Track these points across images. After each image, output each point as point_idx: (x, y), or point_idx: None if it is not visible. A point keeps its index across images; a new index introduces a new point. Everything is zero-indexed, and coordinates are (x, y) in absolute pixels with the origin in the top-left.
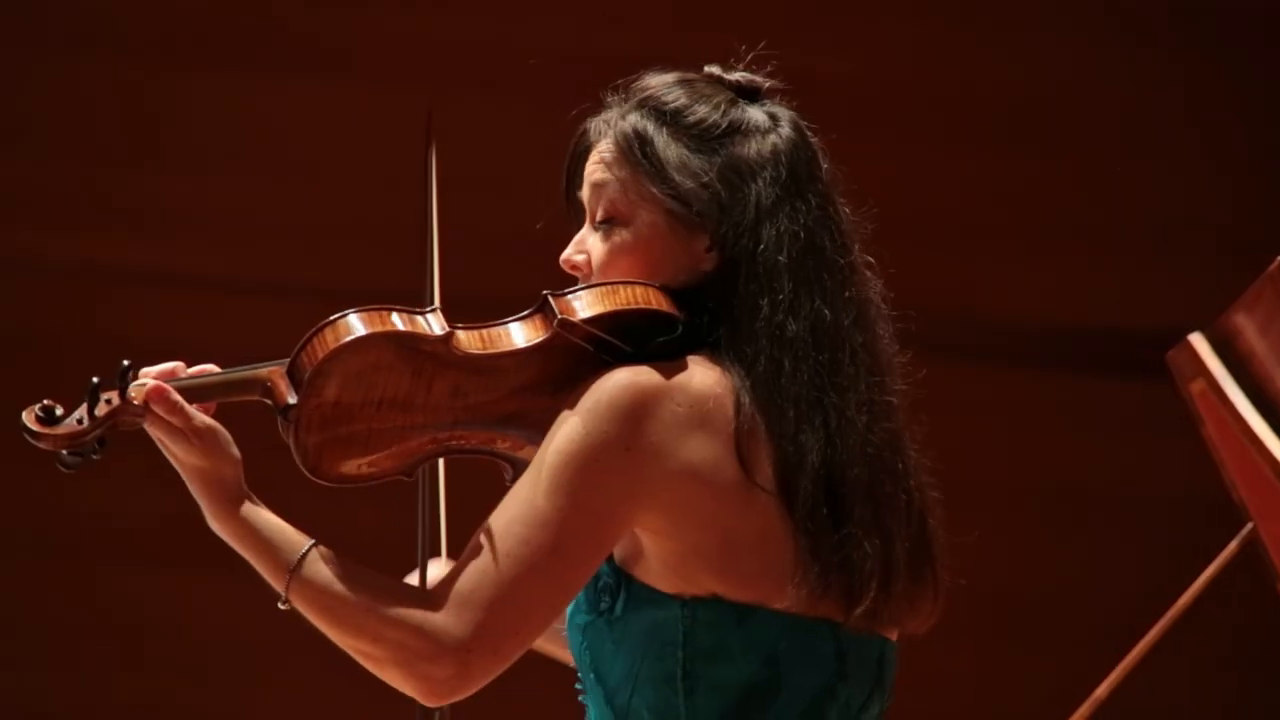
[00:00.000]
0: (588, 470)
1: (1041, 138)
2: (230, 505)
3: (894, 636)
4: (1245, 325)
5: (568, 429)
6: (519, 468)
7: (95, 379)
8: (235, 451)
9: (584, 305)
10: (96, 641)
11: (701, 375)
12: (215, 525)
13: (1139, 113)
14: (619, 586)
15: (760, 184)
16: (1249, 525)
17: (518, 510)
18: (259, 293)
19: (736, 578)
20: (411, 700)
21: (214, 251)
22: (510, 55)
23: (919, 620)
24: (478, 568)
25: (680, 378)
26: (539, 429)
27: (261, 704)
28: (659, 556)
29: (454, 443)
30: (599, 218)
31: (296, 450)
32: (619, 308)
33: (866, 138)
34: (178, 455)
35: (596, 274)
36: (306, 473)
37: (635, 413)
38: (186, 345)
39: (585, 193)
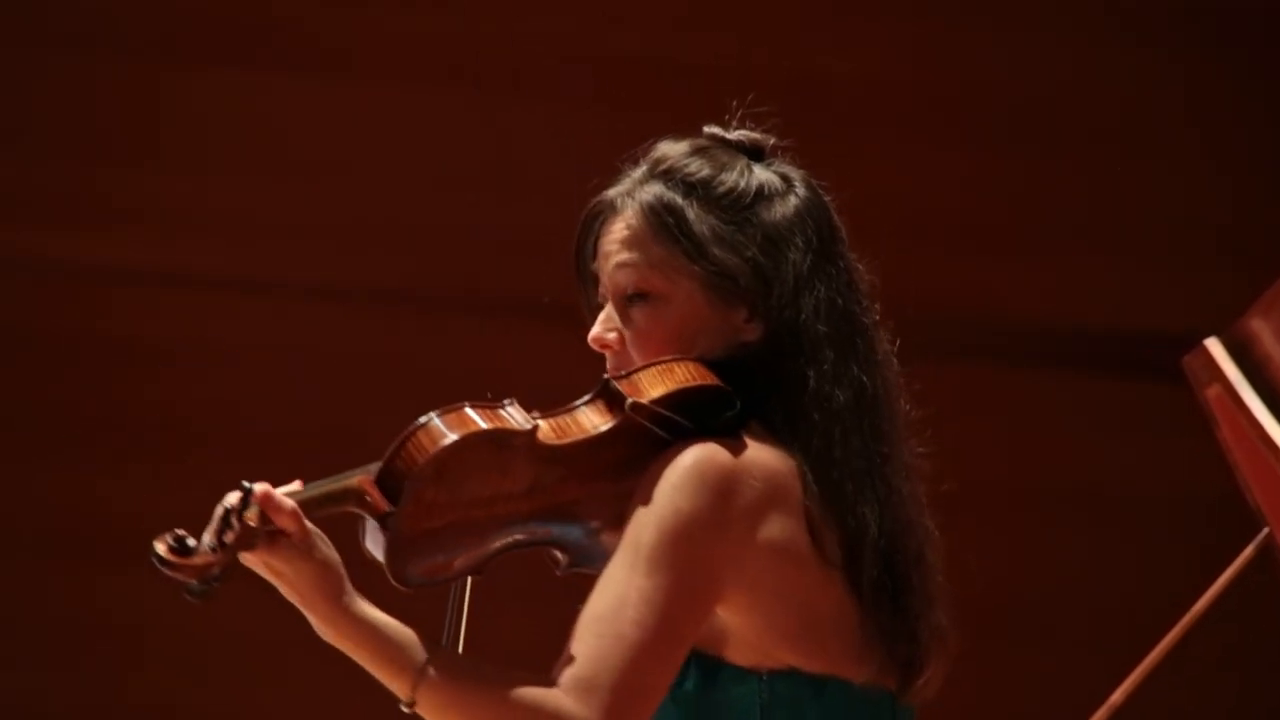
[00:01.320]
0: (684, 547)
1: (1042, 137)
2: (347, 608)
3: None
4: (1262, 330)
5: (658, 508)
6: (576, 555)
7: (226, 505)
8: (336, 554)
9: (648, 386)
10: (99, 641)
11: (767, 452)
12: (330, 630)
13: (1139, 112)
14: (689, 663)
15: (795, 251)
16: (1265, 530)
17: (622, 591)
18: (261, 292)
19: (812, 650)
20: None
21: (216, 251)
22: (511, 55)
23: (931, 688)
24: (595, 652)
25: (750, 455)
26: (603, 512)
27: (264, 704)
28: (737, 632)
29: (525, 536)
30: (630, 293)
31: (389, 556)
32: (680, 386)
33: (867, 138)
34: (292, 566)
35: (633, 350)
36: (392, 578)
37: (719, 489)
38: (189, 345)
39: (607, 266)
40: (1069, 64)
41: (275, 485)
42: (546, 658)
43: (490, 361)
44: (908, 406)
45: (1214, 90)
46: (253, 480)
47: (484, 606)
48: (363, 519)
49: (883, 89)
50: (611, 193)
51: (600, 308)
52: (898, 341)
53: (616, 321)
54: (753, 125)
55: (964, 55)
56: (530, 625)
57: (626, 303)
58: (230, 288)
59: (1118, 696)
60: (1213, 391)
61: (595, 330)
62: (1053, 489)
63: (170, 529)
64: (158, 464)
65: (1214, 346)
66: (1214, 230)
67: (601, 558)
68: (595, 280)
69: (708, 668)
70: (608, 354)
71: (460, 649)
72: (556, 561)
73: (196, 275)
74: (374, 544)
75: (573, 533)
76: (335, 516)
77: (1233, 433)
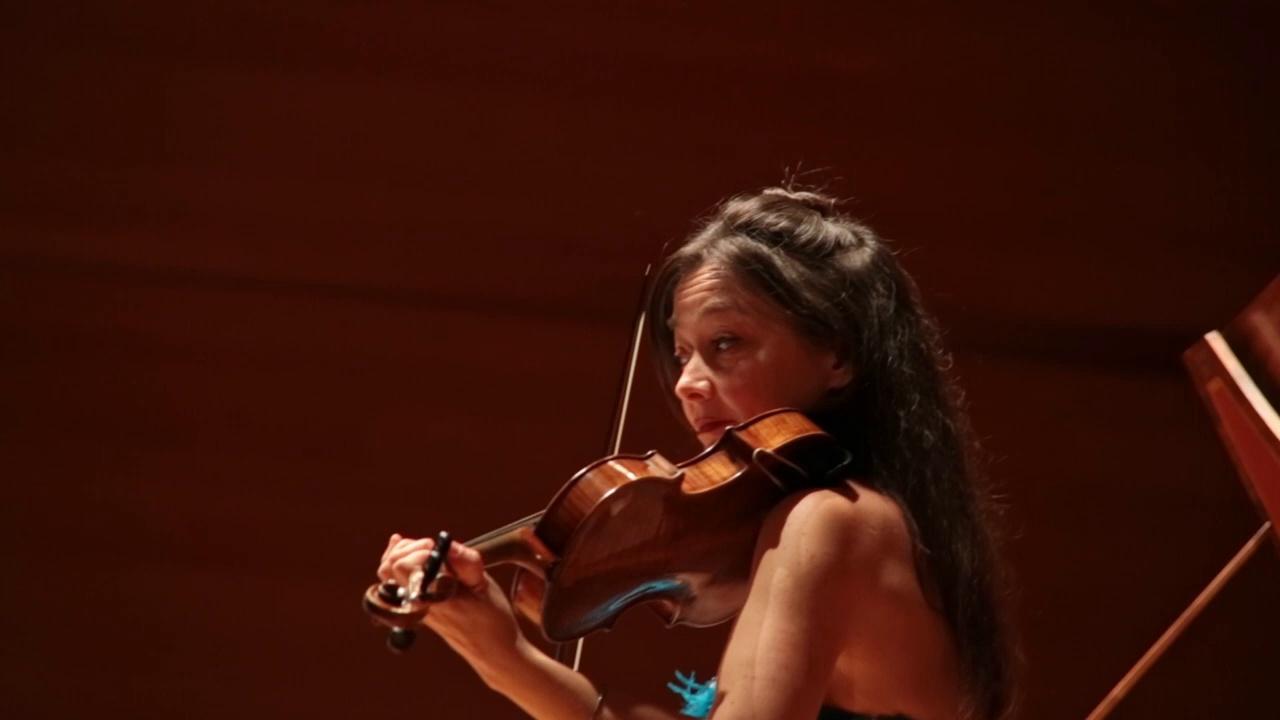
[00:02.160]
0: (819, 593)
1: (1044, 135)
2: (522, 655)
3: None
4: (1263, 324)
5: (791, 554)
6: (688, 606)
7: (434, 553)
8: (509, 604)
9: (768, 436)
10: (103, 639)
11: (874, 499)
12: (505, 678)
13: (1140, 111)
14: None
15: (878, 297)
16: (1266, 525)
17: (768, 636)
18: (265, 290)
19: (924, 698)
20: (418, 698)
21: (220, 249)
22: (518, 53)
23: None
24: (748, 694)
25: (863, 502)
26: (720, 564)
27: (279, 703)
28: (853, 678)
29: (655, 587)
30: (720, 341)
31: (549, 607)
32: (797, 435)
33: (871, 136)
34: (471, 617)
35: (725, 397)
36: (545, 631)
37: (843, 536)
38: (193, 342)
39: (691, 318)
40: (1071, 63)
41: (282, 482)
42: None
43: (492, 361)
44: (979, 457)
45: (1214, 88)
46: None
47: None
48: (520, 573)
49: (888, 88)
50: (688, 249)
51: (677, 364)
52: None
53: (706, 370)
54: (812, 187)
55: (969, 55)
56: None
57: (715, 350)
58: (234, 286)
59: (1119, 690)
60: (1214, 386)
61: (684, 380)
62: (1053, 484)
63: (375, 584)
64: (162, 461)
65: (1215, 341)
66: (1215, 225)
67: (705, 610)
68: (669, 338)
69: (821, 713)
70: (696, 404)
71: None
72: (666, 615)
73: (200, 273)
74: (529, 596)
75: (692, 583)
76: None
77: (1234, 427)
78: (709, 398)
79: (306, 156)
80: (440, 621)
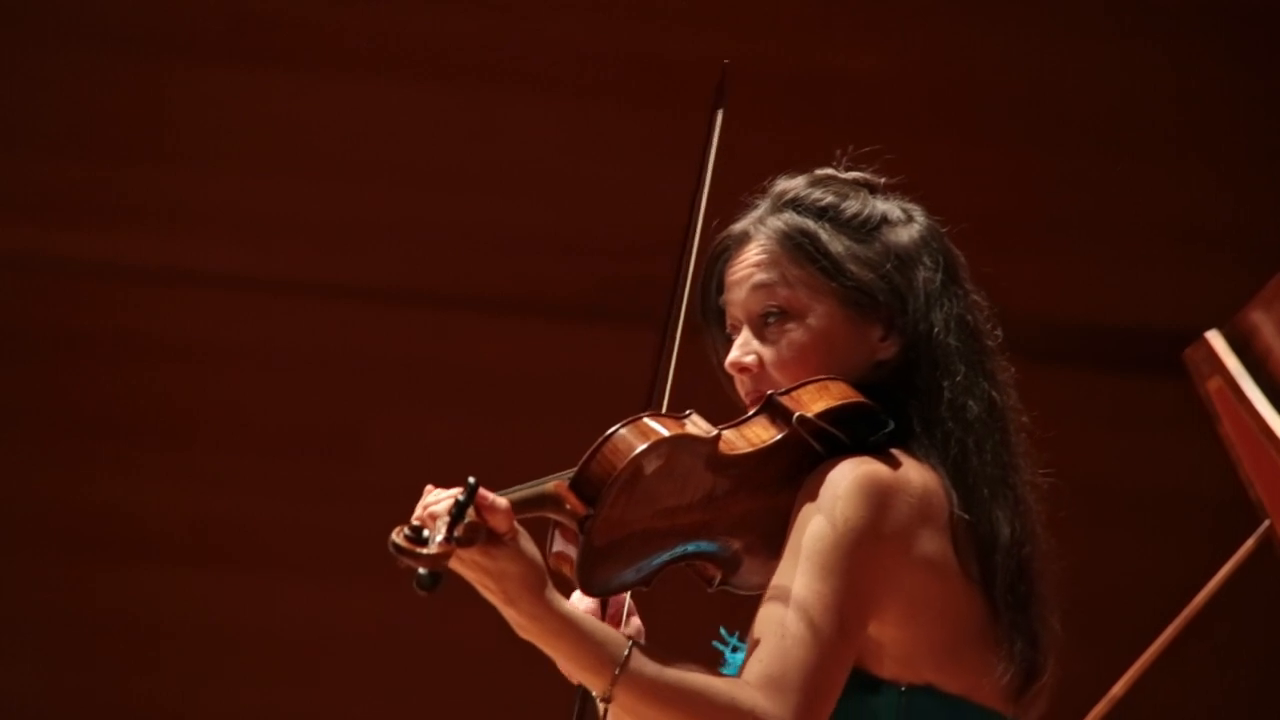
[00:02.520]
0: (852, 555)
1: (1044, 134)
2: (550, 604)
3: None
4: (1263, 322)
5: (826, 517)
6: (729, 570)
7: (460, 498)
8: (539, 553)
9: (810, 401)
10: (104, 639)
11: (915, 467)
12: (533, 627)
13: (1141, 109)
14: None
15: (924, 270)
16: (1265, 523)
17: (801, 596)
18: (266, 290)
19: (954, 668)
20: (417, 697)
21: (220, 249)
22: (519, 53)
23: (1039, 706)
24: (781, 652)
25: (902, 470)
26: (760, 527)
27: (279, 702)
28: (886, 644)
29: (694, 548)
30: (768, 315)
31: (582, 561)
32: (839, 401)
33: (873, 136)
34: (501, 565)
35: (774, 370)
36: (579, 584)
37: (880, 502)
38: (194, 342)
39: (740, 294)
40: (1071, 63)
41: (282, 482)
42: None
43: (492, 361)
44: (1027, 431)
45: (1214, 88)
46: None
47: None
48: (554, 526)
49: (888, 88)
50: (737, 226)
51: (728, 341)
52: None
53: (755, 345)
54: (863, 167)
55: (969, 55)
56: None
57: (763, 324)
58: (234, 286)
59: (1119, 688)
60: (1214, 384)
61: (734, 355)
62: (1053, 483)
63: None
64: (162, 461)
65: (1215, 339)
66: (1215, 225)
67: (747, 575)
68: (721, 316)
69: (851, 678)
70: (745, 378)
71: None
72: (709, 579)
73: (200, 273)
74: (565, 549)
75: (733, 546)
76: (530, 521)
77: (1234, 425)
78: (757, 371)
79: (306, 156)
80: (469, 568)
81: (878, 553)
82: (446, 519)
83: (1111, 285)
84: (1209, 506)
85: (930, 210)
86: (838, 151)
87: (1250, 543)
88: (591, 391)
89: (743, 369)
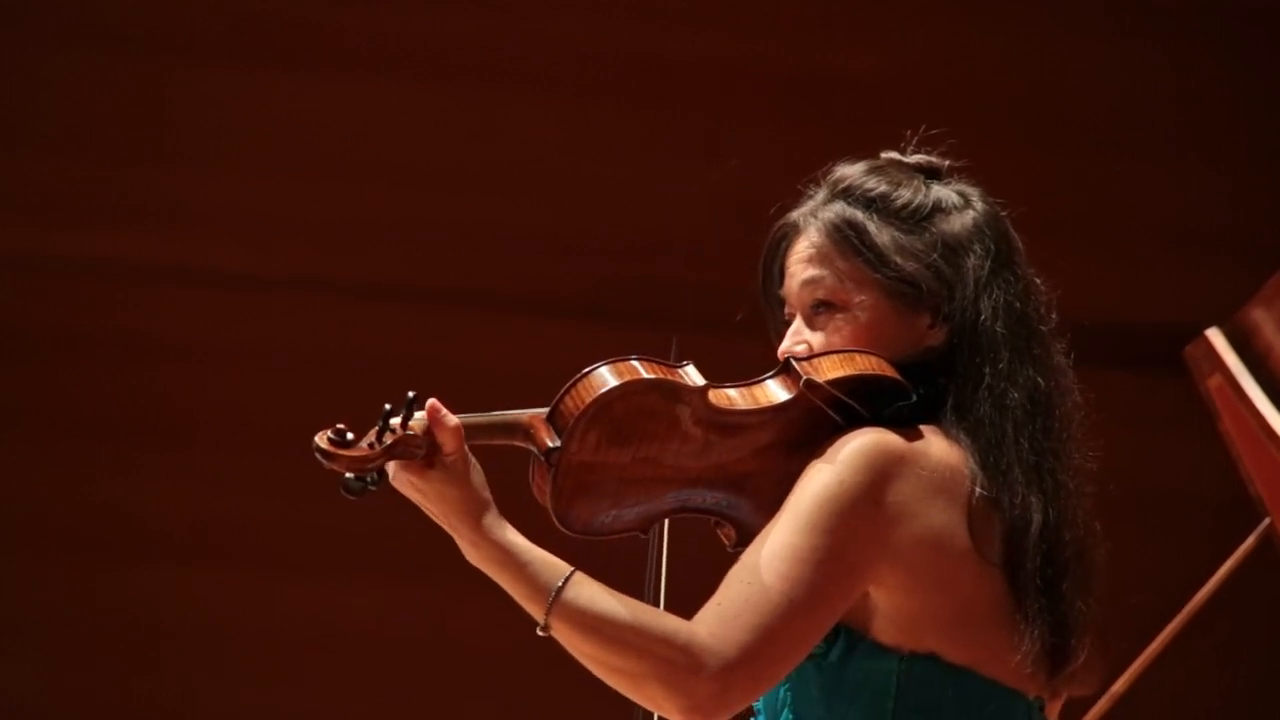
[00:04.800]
0: (841, 516)
1: (1045, 133)
2: (488, 532)
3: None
4: (1263, 320)
5: (821, 476)
6: (744, 532)
7: (388, 405)
8: (484, 481)
9: (826, 368)
10: (105, 638)
11: (939, 444)
12: (474, 553)
13: (1141, 108)
14: (835, 634)
15: (974, 258)
16: (1265, 521)
17: (775, 547)
18: (267, 289)
19: (958, 640)
20: (417, 696)
21: (221, 248)
22: (520, 52)
23: (1091, 683)
24: (739, 595)
25: (922, 444)
26: (772, 491)
27: (279, 702)
28: (886, 611)
29: (693, 500)
30: (817, 305)
31: (552, 495)
32: (858, 372)
33: (874, 135)
34: (438, 488)
35: None
36: (556, 520)
37: (886, 471)
38: (194, 341)
39: (793, 285)
40: (1071, 63)
41: (282, 482)
42: None
43: (492, 361)
44: (1081, 413)
45: (1214, 88)
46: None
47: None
48: (532, 460)
49: (888, 88)
50: (794, 215)
51: (787, 326)
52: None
53: (806, 334)
54: (929, 149)
55: (969, 55)
56: None
57: (814, 314)
58: (234, 285)
59: (1120, 685)
60: (1214, 382)
61: (785, 343)
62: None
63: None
64: (162, 461)
65: (1215, 337)
66: (1215, 225)
67: None
68: (781, 302)
69: (852, 640)
70: None
71: (661, 601)
72: (728, 538)
73: (200, 273)
74: (540, 483)
75: (742, 507)
76: (504, 450)
77: (1234, 423)
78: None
79: (306, 156)
80: (405, 486)
81: (873, 519)
82: (377, 426)
83: (1111, 284)
84: (1209, 506)
85: None
86: (908, 132)
87: (1250, 541)
88: None
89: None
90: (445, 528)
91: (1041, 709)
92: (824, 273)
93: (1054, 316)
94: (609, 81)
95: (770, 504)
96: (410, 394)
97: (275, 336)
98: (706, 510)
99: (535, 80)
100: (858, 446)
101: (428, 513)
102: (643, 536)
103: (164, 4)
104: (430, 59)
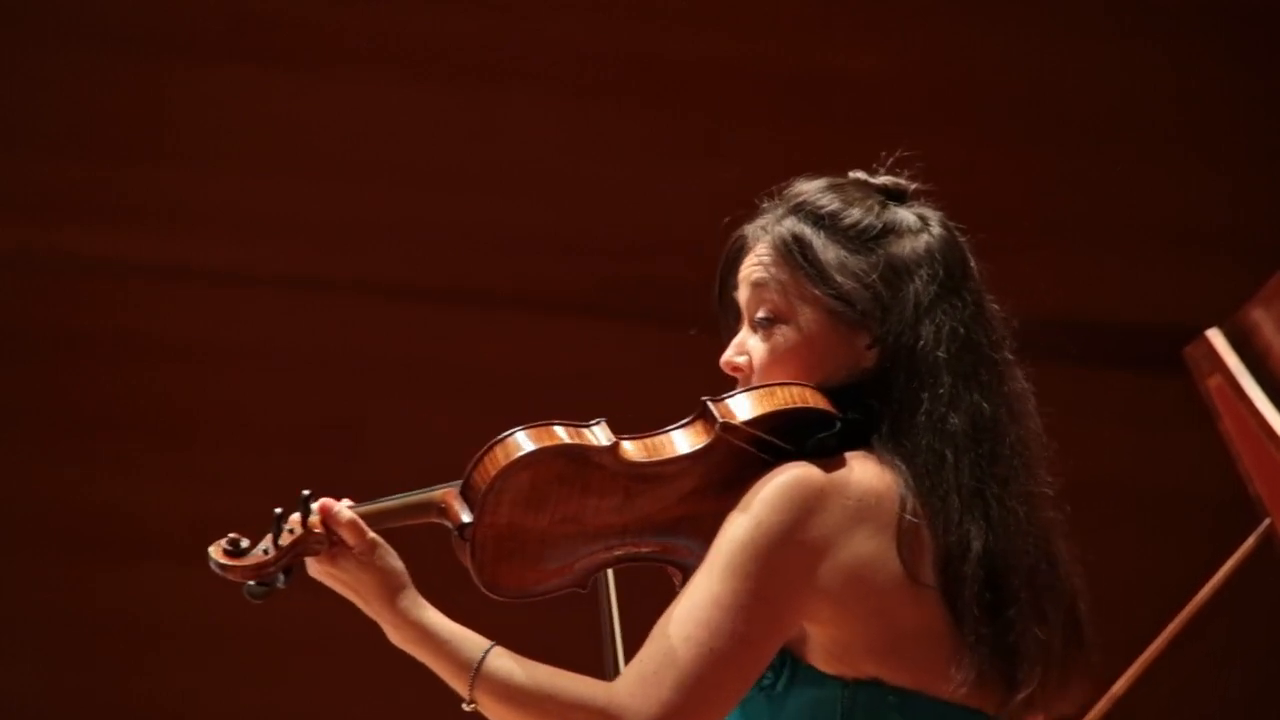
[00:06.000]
0: (761, 559)
1: (1044, 132)
2: (406, 613)
3: None
4: (1263, 320)
5: (741, 520)
6: (689, 573)
7: (278, 510)
8: (401, 562)
9: (744, 408)
10: (104, 638)
11: (864, 471)
12: (395, 635)
13: (1141, 108)
14: (783, 664)
15: (919, 282)
16: (1266, 521)
17: (697, 596)
18: (267, 289)
19: (897, 664)
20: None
21: (221, 247)
22: (521, 52)
23: (1069, 703)
24: (659, 650)
25: (844, 473)
26: (707, 532)
27: (279, 702)
28: (822, 642)
29: (624, 550)
30: (759, 317)
31: (474, 567)
32: (778, 408)
33: (874, 135)
34: (352, 575)
35: (758, 373)
36: (484, 589)
37: (806, 506)
38: (194, 341)
39: (742, 295)
40: (1071, 63)
41: (282, 481)
42: None
43: (492, 360)
44: (1041, 440)
45: (1214, 88)
46: (308, 488)
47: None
48: (452, 534)
49: (888, 88)
50: (749, 227)
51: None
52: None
53: (750, 344)
54: (899, 171)
55: (970, 54)
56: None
57: (758, 326)
58: (234, 285)
59: (1120, 686)
60: (1214, 382)
61: (726, 355)
62: (1053, 482)
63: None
64: (162, 461)
65: (1215, 337)
66: (1215, 224)
67: None
68: (736, 310)
69: (797, 669)
70: (738, 377)
71: (619, 650)
72: (677, 580)
73: (200, 272)
74: (461, 555)
75: (680, 551)
76: (429, 528)
77: (1234, 423)
78: (747, 373)
79: (306, 156)
80: (322, 577)
81: (798, 557)
82: (271, 531)
83: (1111, 284)
84: (1209, 506)
85: (930, 207)
86: (882, 154)
87: (1250, 541)
88: (591, 391)
89: (734, 368)
90: (367, 612)
91: None
92: (769, 286)
93: (1010, 342)
94: (609, 81)
95: (707, 544)
96: (305, 492)
97: (275, 336)
98: (645, 559)
99: (535, 80)
100: (776, 485)
101: (351, 599)
102: (582, 591)
103: (164, 4)
104: (430, 59)
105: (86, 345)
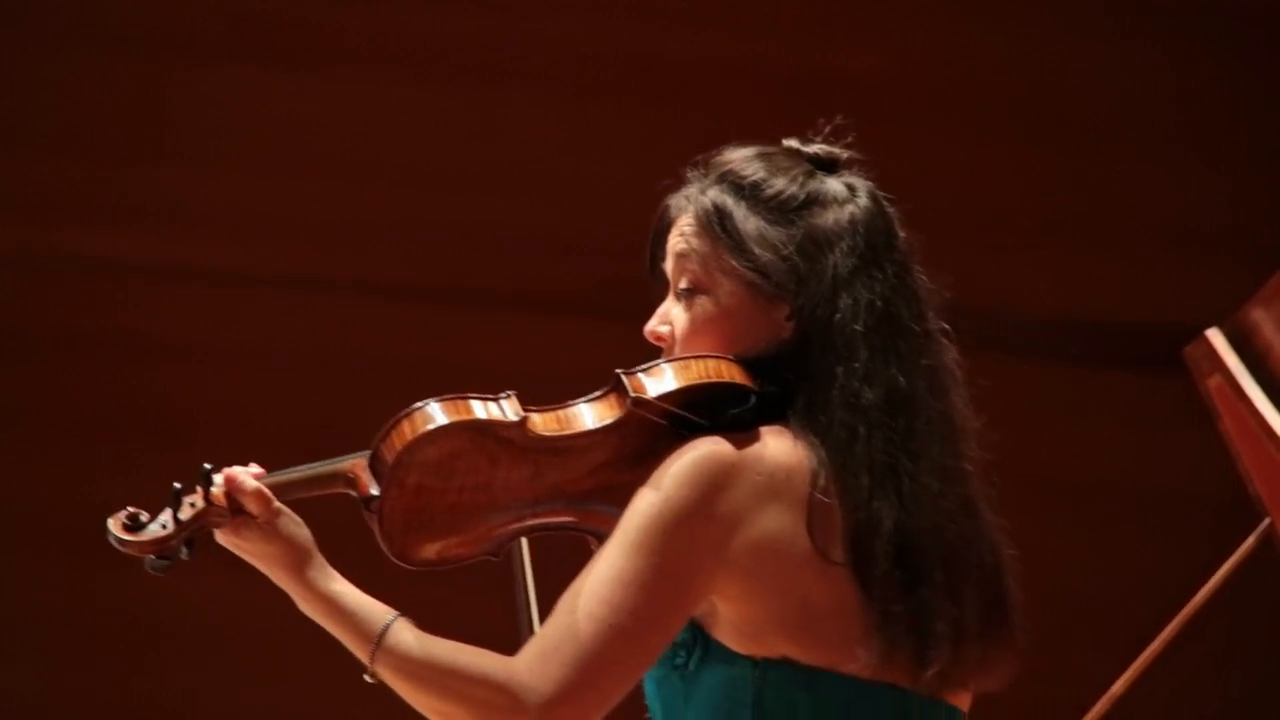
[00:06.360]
0: (667, 535)
1: (1044, 132)
2: (312, 583)
3: (965, 703)
4: (1263, 320)
5: (647, 495)
6: (605, 541)
7: (177, 484)
8: (307, 531)
9: (656, 382)
10: (104, 638)
11: (776, 446)
12: (303, 605)
13: (1141, 107)
14: (695, 643)
15: (838, 254)
16: (1265, 521)
17: (600, 572)
18: (267, 289)
19: (808, 642)
20: None
21: (221, 247)
22: (521, 52)
23: (994, 680)
24: (561, 626)
25: (756, 448)
26: (621, 504)
27: (279, 702)
28: (732, 619)
29: (536, 521)
30: (681, 288)
31: (383, 538)
32: (691, 382)
33: (874, 134)
34: (257, 546)
35: (680, 344)
36: (394, 559)
37: (714, 482)
38: (194, 341)
39: (668, 265)
40: (1071, 63)
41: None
42: None
43: (492, 360)
44: (966, 414)
45: (1214, 88)
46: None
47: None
48: (360, 506)
49: (889, 88)
50: (676, 197)
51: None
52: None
53: (673, 314)
54: (833, 140)
55: (969, 54)
56: None
57: (681, 295)
58: (234, 285)
59: (1119, 687)
60: (1214, 382)
61: (650, 324)
62: (1053, 481)
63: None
64: (162, 461)
65: (1215, 337)
66: (1215, 224)
67: None
68: (666, 280)
69: (708, 647)
70: (662, 346)
71: (534, 618)
72: (592, 545)
73: (200, 272)
74: (371, 525)
75: (594, 519)
76: (336, 498)
77: (1234, 423)
78: (670, 343)
79: (306, 156)
80: (231, 546)
81: (706, 532)
82: (169, 505)
83: (1111, 284)
84: (1209, 506)
85: (931, 209)
86: (820, 121)
87: (1250, 541)
88: (591, 391)
89: (658, 338)
90: (276, 582)
91: (934, 701)
92: (690, 257)
93: (933, 316)
94: (609, 81)
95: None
96: (206, 466)
97: (275, 336)
98: (558, 528)
99: (535, 80)
100: (686, 461)
101: (258, 568)
102: (494, 559)
103: (164, 4)
104: (430, 59)
105: (86, 345)
